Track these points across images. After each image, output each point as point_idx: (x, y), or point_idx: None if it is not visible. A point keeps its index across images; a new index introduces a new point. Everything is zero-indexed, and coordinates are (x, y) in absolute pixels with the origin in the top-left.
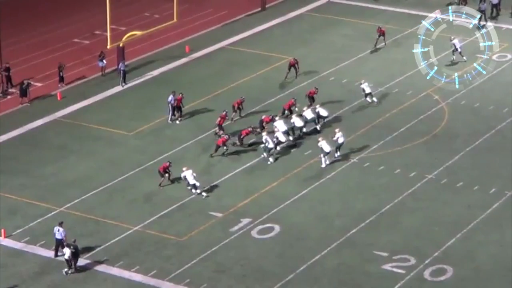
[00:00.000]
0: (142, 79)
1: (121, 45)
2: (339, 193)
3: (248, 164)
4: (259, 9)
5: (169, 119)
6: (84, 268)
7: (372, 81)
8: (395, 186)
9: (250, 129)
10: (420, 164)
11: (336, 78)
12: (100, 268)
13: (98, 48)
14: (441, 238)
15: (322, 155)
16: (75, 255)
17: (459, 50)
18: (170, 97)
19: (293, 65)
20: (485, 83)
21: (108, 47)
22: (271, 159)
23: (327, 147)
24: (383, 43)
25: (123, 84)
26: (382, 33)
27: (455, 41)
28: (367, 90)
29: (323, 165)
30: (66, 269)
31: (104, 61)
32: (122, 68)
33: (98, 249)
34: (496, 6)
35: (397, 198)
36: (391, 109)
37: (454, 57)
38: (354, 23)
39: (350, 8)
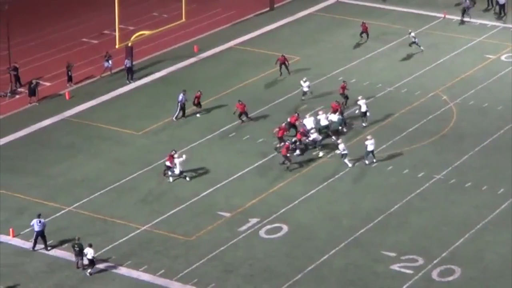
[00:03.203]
0: (150, 79)
1: (129, 44)
2: (347, 193)
3: (256, 164)
4: (268, 9)
5: (175, 116)
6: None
7: (380, 81)
8: (404, 186)
9: (288, 143)
10: (428, 164)
11: (345, 78)
12: (108, 267)
13: (107, 47)
14: (449, 238)
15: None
16: (80, 253)
17: (416, 41)
18: (181, 96)
19: (282, 62)
20: (494, 83)
21: (117, 46)
22: (349, 164)
23: (370, 147)
24: (365, 39)
25: (130, 81)
26: (365, 30)
27: (413, 34)
28: (363, 109)
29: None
30: (89, 270)
31: (110, 61)
32: (128, 65)
33: (106, 248)
34: (503, 6)
35: (405, 198)
36: (399, 109)
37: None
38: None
39: (359, 8)
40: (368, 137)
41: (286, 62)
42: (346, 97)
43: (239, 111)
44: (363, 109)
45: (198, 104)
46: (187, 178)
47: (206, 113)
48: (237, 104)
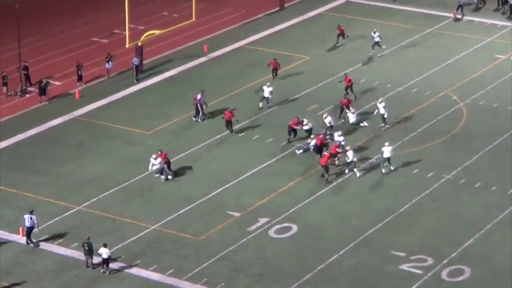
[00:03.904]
0: (160, 78)
1: (139, 44)
2: (357, 193)
3: (266, 164)
4: (278, 8)
5: (198, 117)
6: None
7: (390, 81)
8: (413, 186)
9: (322, 136)
10: (438, 165)
11: (354, 78)
12: (118, 266)
13: (117, 47)
14: (459, 238)
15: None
16: (90, 252)
17: (379, 41)
18: (199, 96)
19: (275, 68)
20: (504, 84)
21: (127, 46)
22: (358, 173)
23: (387, 154)
24: (339, 42)
25: (136, 80)
26: (341, 32)
27: (377, 34)
28: (382, 111)
29: (358, 175)
30: (103, 270)
31: (110, 63)
32: (136, 63)
33: (116, 248)
34: None
35: (414, 199)
36: (409, 109)
37: (373, 50)
38: (372, 23)
39: (369, 8)
40: (386, 143)
41: (278, 67)
42: (351, 90)
43: (225, 120)
44: (381, 111)
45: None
46: (169, 177)
47: (211, 114)
48: (226, 112)
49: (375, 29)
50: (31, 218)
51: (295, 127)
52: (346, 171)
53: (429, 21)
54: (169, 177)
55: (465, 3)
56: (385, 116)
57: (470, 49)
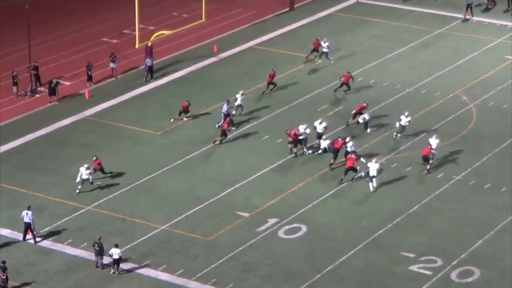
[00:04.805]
0: (170, 79)
1: (149, 44)
2: (367, 194)
3: (276, 164)
4: (288, 9)
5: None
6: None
7: (399, 82)
8: (423, 187)
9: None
10: (448, 165)
11: (364, 79)
12: (127, 266)
13: (127, 47)
14: (468, 239)
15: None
16: (100, 253)
17: (327, 51)
18: (225, 107)
19: (272, 78)
20: None
21: (137, 46)
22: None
23: (374, 171)
24: (314, 57)
25: (150, 79)
26: (316, 47)
27: (327, 44)
28: (403, 123)
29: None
30: (113, 270)
31: (115, 63)
32: (148, 64)
33: (125, 248)
34: None
35: (424, 199)
36: (419, 110)
37: (320, 60)
38: (382, 23)
39: (379, 9)
40: (373, 160)
41: (273, 81)
42: (349, 87)
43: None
44: (403, 123)
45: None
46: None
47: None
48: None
49: (325, 39)
50: (27, 214)
51: (299, 137)
52: (362, 174)
53: (439, 22)
54: (98, 183)
55: (473, 3)
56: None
57: (480, 50)
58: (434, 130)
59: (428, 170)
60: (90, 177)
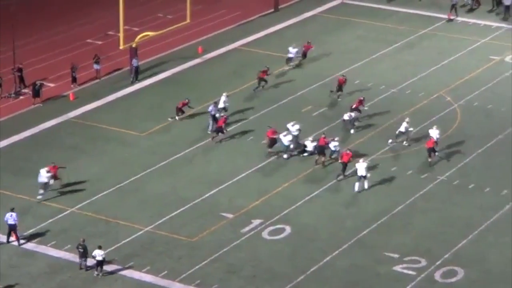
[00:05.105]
0: (154, 80)
1: (134, 45)
2: (350, 194)
3: (260, 165)
4: (272, 10)
5: (210, 130)
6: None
7: (384, 82)
8: (407, 187)
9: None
10: (432, 166)
11: (349, 79)
12: (111, 268)
13: (111, 48)
14: (452, 239)
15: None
16: (84, 255)
17: (292, 57)
18: (211, 107)
19: (264, 74)
20: (498, 85)
21: (121, 47)
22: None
23: (362, 171)
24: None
25: (135, 81)
26: (306, 50)
27: (296, 50)
28: (403, 129)
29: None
30: (96, 272)
31: (99, 64)
32: (135, 65)
33: (109, 249)
34: (508, 8)
35: (408, 200)
36: (403, 111)
37: (291, 63)
38: (367, 24)
39: (363, 9)
40: (361, 160)
41: (265, 78)
42: (341, 90)
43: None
44: (402, 129)
45: (181, 110)
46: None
47: (206, 115)
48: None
49: (294, 44)
50: (11, 216)
51: (273, 136)
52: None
53: (424, 22)
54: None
55: (458, 3)
56: (407, 132)
57: (465, 50)
58: (420, 129)
59: (431, 162)
60: (51, 181)
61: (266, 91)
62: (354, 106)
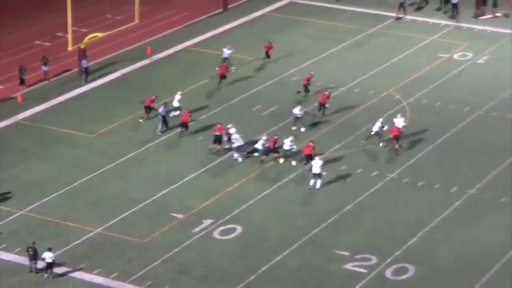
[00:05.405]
0: (104, 81)
1: (82, 46)
2: (301, 193)
3: (211, 165)
4: (221, 10)
5: (159, 130)
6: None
7: (333, 81)
8: (357, 185)
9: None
10: (381, 164)
11: (298, 78)
12: (61, 270)
13: (60, 50)
14: (403, 237)
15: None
16: (34, 257)
17: (227, 57)
18: (161, 108)
19: (224, 70)
20: (446, 83)
21: (69, 49)
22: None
23: (317, 168)
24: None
25: (86, 82)
26: (267, 50)
27: (229, 52)
28: (376, 128)
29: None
30: (47, 274)
31: (47, 65)
32: (85, 66)
33: (60, 251)
34: (456, 6)
35: (359, 198)
36: (353, 109)
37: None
38: (315, 23)
39: (312, 8)
40: (317, 157)
41: (224, 74)
42: (307, 90)
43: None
44: (376, 128)
45: (149, 108)
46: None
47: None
48: (183, 113)
49: (229, 46)
50: None
51: (219, 133)
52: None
53: (373, 20)
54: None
55: (406, 1)
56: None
57: (413, 48)
58: (368, 128)
59: (398, 150)
60: None
61: (216, 91)
62: (320, 101)
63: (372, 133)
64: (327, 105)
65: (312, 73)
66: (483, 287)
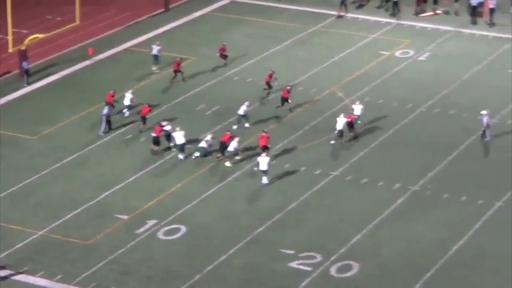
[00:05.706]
0: (45, 82)
1: (23, 48)
2: (245, 192)
3: (154, 165)
4: (163, 10)
5: (102, 131)
6: None
7: (276, 80)
8: (301, 183)
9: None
10: (325, 162)
11: (241, 77)
12: (4, 274)
13: (0, 51)
14: (347, 234)
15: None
16: None
17: (157, 55)
18: (106, 110)
19: (177, 65)
20: (388, 80)
21: (10, 50)
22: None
23: (264, 165)
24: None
25: (27, 83)
26: (221, 53)
27: (157, 49)
28: (339, 126)
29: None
30: None
31: None
32: (26, 67)
33: (2, 255)
34: (396, 3)
35: (302, 196)
36: (295, 107)
37: (155, 67)
38: (257, 22)
39: (254, 7)
40: (263, 154)
41: (178, 70)
42: (270, 87)
43: (142, 114)
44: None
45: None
46: None
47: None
48: (144, 107)
49: (158, 42)
50: None
51: (156, 134)
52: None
53: (314, 19)
54: None
55: None
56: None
57: (355, 46)
58: (312, 126)
59: (353, 137)
60: None
61: (159, 91)
62: (282, 95)
63: (336, 131)
64: (289, 100)
65: (273, 69)
66: (426, 284)
